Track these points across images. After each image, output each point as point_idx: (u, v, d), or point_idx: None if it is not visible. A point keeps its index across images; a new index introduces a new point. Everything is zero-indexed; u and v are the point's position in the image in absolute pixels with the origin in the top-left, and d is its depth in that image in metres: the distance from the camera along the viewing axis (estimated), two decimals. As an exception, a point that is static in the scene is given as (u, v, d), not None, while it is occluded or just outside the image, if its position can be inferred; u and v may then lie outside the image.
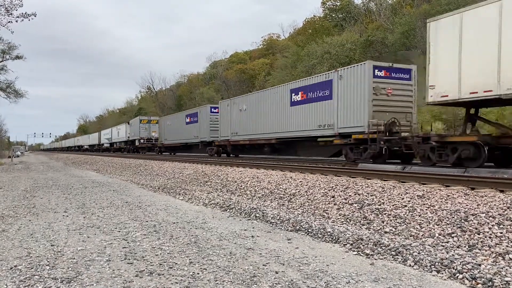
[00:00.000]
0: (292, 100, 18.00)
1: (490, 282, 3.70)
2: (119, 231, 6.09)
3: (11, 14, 23.37)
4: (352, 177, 9.22)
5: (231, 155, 24.43)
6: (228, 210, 8.04)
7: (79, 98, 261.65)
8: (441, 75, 11.00)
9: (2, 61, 36.46)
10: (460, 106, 11.88)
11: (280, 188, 9.08)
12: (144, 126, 38.83)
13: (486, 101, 10.56)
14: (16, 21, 23.58)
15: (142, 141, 38.93)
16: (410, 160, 13.43)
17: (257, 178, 10.77)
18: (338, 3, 50.20)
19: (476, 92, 10.01)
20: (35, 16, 23.91)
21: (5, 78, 38.02)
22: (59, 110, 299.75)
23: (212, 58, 77.36)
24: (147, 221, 6.88)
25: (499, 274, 3.79)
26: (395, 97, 14.31)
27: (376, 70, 14.13)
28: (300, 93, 17.51)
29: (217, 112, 25.80)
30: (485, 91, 9.79)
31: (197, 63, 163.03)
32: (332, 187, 8.17)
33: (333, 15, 51.04)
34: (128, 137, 42.73)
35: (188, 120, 30.13)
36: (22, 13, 23.55)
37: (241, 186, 10.35)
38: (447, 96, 10.79)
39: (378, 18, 41.75)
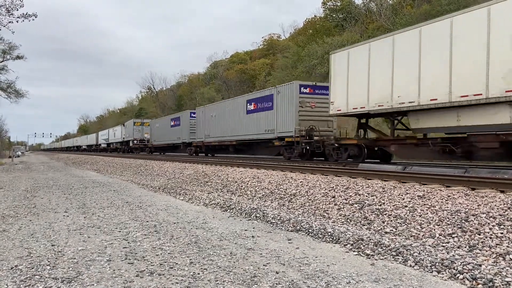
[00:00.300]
0: (247, 109, 21.87)
1: (491, 283, 3.70)
2: (120, 231, 6.09)
3: (12, 14, 23.42)
4: (353, 178, 9.22)
5: (208, 154, 28.36)
6: (228, 210, 8.04)
7: (80, 98, 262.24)
8: (337, 95, 15.21)
9: (2, 61, 36.50)
10: (350, 116, 16.04)
11: (281, 188, 9.08)
12: (137, 128, 42.03)
13: (363, 114, 14.79)
14: (17, 22, 23.65)
15: (135, 142, 42.21)
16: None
17: (258, 178, 10.77)
18: (339, 4, 50.21)
19: (356, 108, 14.39)
20: (35, 16, 23.97)
21: (5, 78, 38.06)
22: (60, 110, 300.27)
23: (212, 58, 77.51)
24: (147, 221, 6.88)
25: (500, 275, 3.79)
26: (318, 109, 18.01)
27: (302, 88, 18.16)
28: (253, 103, 21.38)
29: (195, 117, 29.56)
30: (361, 107, 14.19)
31: (198, 63, 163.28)
32: (333, 187, 8.17)
33: (334, 15, 51.04)
34: (123, 138, 45.56)
35: (172, 123, 33.89)
36: (23, 14, 23.61)
37: (242, 186, 10.35)
38: (340, 110, 15.12)
39: (379, 18, 41.72)
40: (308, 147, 16.99)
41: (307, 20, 52.98)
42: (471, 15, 10.78)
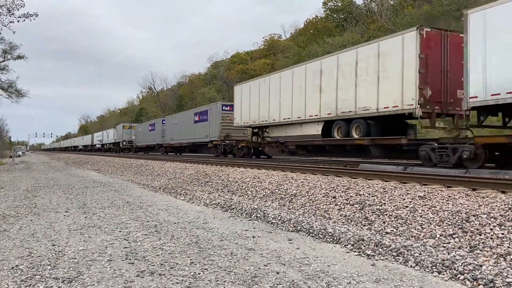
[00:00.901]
0: (195, 120, 29.82)
1: (492, 283, 3.69)
2: (120, 231, 6.10)
3: (12, 14, 23.43)
4: (353, 178, 9.21)
5: (177, 154, 35.68)
6: (229, 210, 8.04)
7: (81, 98, 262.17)
8: (236, 113, 22.62)
9: (3, 61, 36.51)
10: (248, 127, 22.54)
11: (281, 188, 9.08)
12: (126, 131, 48.15)
13: (255, 127, 21.64)
14: (18, 21, 23.66)
15: (124, 143, 48.19)
16: (249, 156, 22.57)
17: (258, 178, 10.76)
18: (340, 4, 50.21)
19: (246, 122, 21.68)
20: (36, 16, 24.00)
21: (6, 78, 38.07)
22: (61, 110, 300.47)
23: (213, 58, 77.41)
24: (148, 221, 6.88)
25: (501, 275, 3.78)
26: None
27: (223, 106, 25.96)
28: (197, 115, 29.52)
29: (165, 123, 37.37)
30: (253, 121, 21.05)
31: (199, 64, 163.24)
32: (333, 187, 8.17)
33: (335, 15, 51.04)
34: (115, 139, 51.37)
35: (150, 128, 41.27)
36: (24, 13, 23.62)
37: (242, 186, 10.35)
38: (238, 123, 22.44)
39: (380, 18, 41.71)
40: (226, 148, 24.78)
41: (307, 21, 52.97)
42: (300, 69, 17.73)
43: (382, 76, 13.15)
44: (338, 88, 15.11)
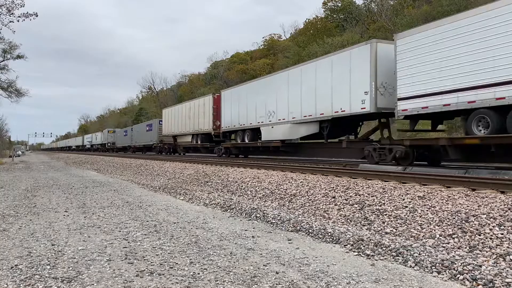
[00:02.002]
0: (146, 129, 39.95)
1: (491, 283, 3.69)
2: (120, 231, 6.10)
3: (12, 13, 23.40)
4: (353, 178, 9.21)
5: (135, 152, 44.67)
6: (228, 210, 8.04)
7: (81, 98, 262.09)
8: (166, 126, 32.52)
9: (3, 60, 36.50)
10: (171, 136, 31.58)
11: (281, 188, 9.08)
12: (110, 135, 58.22)
13: (173, 135, 31.14)
14: (18, 21, 23.61)
15: (109, 144, 58.46)
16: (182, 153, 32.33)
17: (258, 178, 10.77)
18: (339, 4, 50.21)
19: (169, 133, 31.89)
20: (36, 16, 23.93)
21: (6, 78, 38.06)
22: (61, 110, 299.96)
23: (213, 58, 77.34)
24: (147, 221, 6.88)
25: (500, 275, 3.79)
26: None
27: (160, 122, 35.22)
28: (148, 126, 39.87)
29: (127, 131, 49.64)
30: (172, 132, 31.26)
31: (198, 64, 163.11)
32: (333, 187, 8.17)
33: (334, 15, 51.04)
34: (102, 141, 62.53)
35: (124, 133, 50.71)
36: (24, 13, 23.57)
37: (242, 186, 10.35)
38: (165, 133, 32.64)
39: (380, 19, 41.72)
40: (159, 147, 35.85)
41: (307, 21, 52.97)
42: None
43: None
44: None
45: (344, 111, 13.68)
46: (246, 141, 20.61)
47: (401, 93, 11.55)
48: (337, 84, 13.98)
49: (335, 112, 14.12)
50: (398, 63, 11.62)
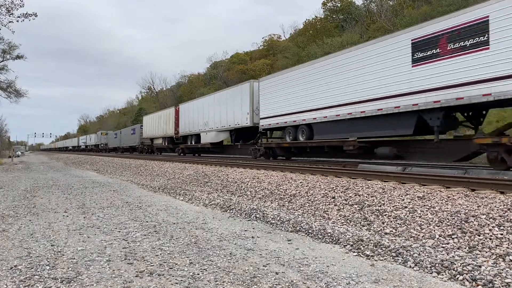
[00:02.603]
0: (131, 133, 45.26)
1: (491, 284, 3.69)
2: (119, 231, 6.09)
3: (12, 14, 23.40)
4: (353, 178, 9.21)
5: (123, 152, 49.95)
6: (228, 210, 8.04)
7: (80, 98, 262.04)
8: (145, 131, 39.21)
9: (2, 61, 36.47)
10: (149, 138, 38.94)
11: (281, 188, 9.08)
12: (104, 137, 63.16)
13: (150, 138, 38.10)
14: (17, 21, 23.62)
15: (102, 145, 63.23)
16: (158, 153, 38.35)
17: (258, 178, 10.76)
18: (339, 4, 50.21)
19: (147, 136, 38.76)
20: (36, 16, 23.96)
21: (5, 78, 38.02)
22: (60, 110, 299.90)
23: (212, 59, 77.29)
24: (147, 222, 6.88)
25: (500, 276, 3.79)
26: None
27: (141, 127, 41.18)
28: (131, 130, 45.85)
29: (117, 133, 54.85)
30: (148, 136, 38.36)
31: (198, 64, 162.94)
32: (333, 188, 8.17)
33: (334, 16, 51.04)
34: (96, 142, 67.21)
35: (115, 136, 56.01)
36: (23, 13, 23.58)
37: (242, 186, 10.35)
38: (145, 136, 39.05)
39: (379, 19, 41.73)
40: (140, 148, 41.31)
41: (307, 21, 52.97)
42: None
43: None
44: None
45: (238, 124, 21.36)
46: (193, 143, 28.13)
47: (262, 114, 19.16)
48: (235, 107, 21.69)
49: (235, 124, 21.67)
50: (260, 96, 19.37)
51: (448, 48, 10.46)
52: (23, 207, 8.58)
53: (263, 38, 72.35)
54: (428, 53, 10.98)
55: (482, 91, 9.55)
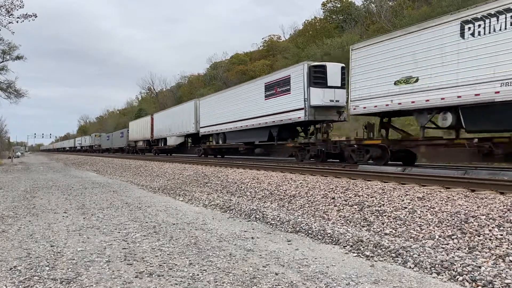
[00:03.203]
0: (120, 136, 51.19)
1: (490, 284, 3.69)
2: (119, 232, 6.09)
3: (11, 14, 23.40)
4: (352, 179, 9.21)
5: (114, 152, 54.84)
6: (228, 211, 8.04)
7: (80, 98, 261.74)
8: (131, 134, 45.23)
9: (2, 61, 36.46)
10: (135, 141, 45.15)
11: (280, 189, 9.08)
12: (97, 138, 68.91)
13: (136, 140, 44.15)
14: (17, 22, 23.62)
15: (95, 146, 68.99)
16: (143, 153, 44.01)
17: (257, 179, 10.76)
18: (339, 5, 50.24)
19: (133, 139, 45.00)
20: (35, 17, 23.95)
21: (5, 79, 38.01)
22: (60, 111, 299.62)
23: (212, 59, 77.25)
24: (147, 222, 6.88)
25: (500, 276, 3.79)
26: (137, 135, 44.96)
27: (127, 131, 47.28)
28: (120, 133, 51.60)
29: (109, 136, 60.25)
30: (134, 139, 44.45)
31: (198, 64, 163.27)
32: (332, 188, 8.17)
33: (334, 16, 51.07)
34: (90, 143, 73.47)
35: (107, 138, 61.34)
36: (23, 14, 23.57)
37: (241, 187, 10.34)
38: (132, 139, 44.99)
39: (379, 19, 41.75)
40: (128, 150, 46.96)
41: (306, 22, 53.00)
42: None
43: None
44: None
45: (189, 131, 28.87)
46: (162, 145, 35.01)
47: (201, 124, 26.67)
48: (186, 118, 29.44)
49: (187, 131, 29.23)
50: (200, 111, 26.94)
51: (278, 90, 18.15)
52: (23, 208, 8.58)
53: (263, 38, 72.44)
54: (271, 92, 18.66)
55: (289, 116, 17.18)
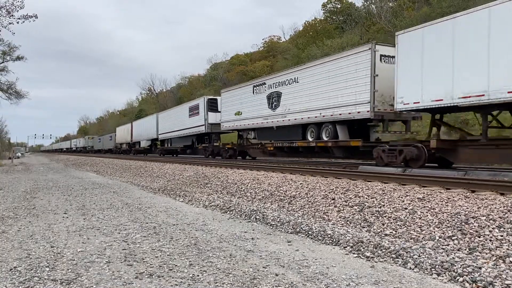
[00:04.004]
0: (109, 139, 58.15)
1: (491, 285, 3.69)
2: (119, 233, 6.09)
3: (12, 15, 23.43)
4: (353, 180, 9.20)
5: (107, 152, 58.76)
6: (228, 212, 8.04)
7: (81, 99, 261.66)
8: (117, 136, 53.56)
9: (2, 62, 36.49)
10: (120, 143, 53.64)
11: (281, 190, 9.08)
12: (90, 140, 76.30)
13: (121, 143, 51.94)
14: (17, 23, 23.65)
15: (88, 147, 75.41)
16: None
17: (258, 180, 10.76)
18: (339, 6, 50.27)
19: (119, 141, 52.96)
20: (36, 17, 23.99)
21: (6, 80, 38.03)
22: (60, 112, 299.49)
23: (212, 60, 77.42)
24: (147, 223, 6.87)
25: (500, 277, 3.78)
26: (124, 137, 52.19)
27: (115, 134, 55.19)
28: (109, 136, 58.64)
29: (101, 138, 67.14)
30: (119, 141, 53.03)
31: (198, 65, 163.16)
32: (333, 189, 8.17)
33: (334, 17, 51.10)
34: (83, 145, 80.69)
35: (98, 140, 68.26)
36: (23, 15, 23.61)
37: (241, 188, 10.34)
38: (118, 141, 52.98)
39: (379, 20, 41.77)
40: (115, 150, 53.38)
41: (306, 22, 53.04)
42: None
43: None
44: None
45: (153, 136, 37.63)
46: (138, 147, 43.23)
47: (159, 131, 35.86)
48: (151, 127, 37.56)
49: (152, 137, 38.24)
50: (159, 121, 36.18)
51: (194, 112, 27.70)
52: (23, 209, 8.58)
53: (263, 39, 72.41)
54: (191, 113, 28.16)
55: (199, 129, 26.66)
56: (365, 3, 47.62)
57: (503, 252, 4.32)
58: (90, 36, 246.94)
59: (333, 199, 7.50)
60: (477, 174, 9.26)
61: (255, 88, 20.14)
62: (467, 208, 5.62)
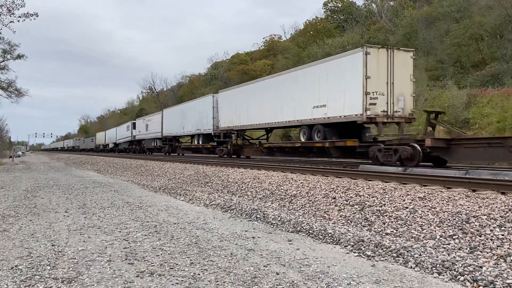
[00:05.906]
0: (91, 141, 74.44)
1: (492, 285, 3.69)
2: (120, 232, 6.09)
3: (13, 14, 23.41)
4: (353, 179, 9.20)
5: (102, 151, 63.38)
6: (229, 211, 8.04)
7: (81, 98, 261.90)
8: (106, 136, 62.13)
9: (3, 61, 36.50)
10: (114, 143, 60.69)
11: (281, 189, 9.08)
12: (78, 141, 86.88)
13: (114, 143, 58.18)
14: (18, 21, 23.62)
15: (76, 147, 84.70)
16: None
17: (258, 179, 10.76)
18: (340, 5, 50.21)
19: (104, 142, 62.05)
20: (37, 16, 23.95)
21: (6, 78, 38.04)
22: (61, 111, 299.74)
23: (213, 59, 77.25)
24: (148, 222, 6.88)
25: (501, 277, 3.78)
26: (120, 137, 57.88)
27: (96, 137, 70.48)
28: (91, 139, 73.96)
29: (94, 138, 71.52)
30: (111, 141, 58.58)
31: (199, 65, 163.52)
32: (333, 188, 8.16)
33: (335, 16, 51.05)
34: (73, 145, 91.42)
35: (83, 141, 78.67)
36: (24, 13, 23.59)
37: (242, 187, 10.34)
38: (101, 143, 64.29)
39: (380, 19, 41.72)
40: (96, 149, 65.25)
41: (307, 22, 52.97)
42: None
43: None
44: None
45: (128, 139, 47.22)
46: (109, 147, 51.03)
47: (135, 134, 43.41)
48: (125, 132, 47.41)
49: (129, 139, 46.71)
50: (136, 126, 43.36)
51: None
52: (24, 207, 8.59)
53: (263, 38, 72.39)
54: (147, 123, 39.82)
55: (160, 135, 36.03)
56: (366, 2, 47.61)
57: (504, 251, 4.31)
58: (90, 36, 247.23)
59: (334, 198, 7.50)
60: (478, 174, 9.25)
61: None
62: (468, 207, 5.62)
